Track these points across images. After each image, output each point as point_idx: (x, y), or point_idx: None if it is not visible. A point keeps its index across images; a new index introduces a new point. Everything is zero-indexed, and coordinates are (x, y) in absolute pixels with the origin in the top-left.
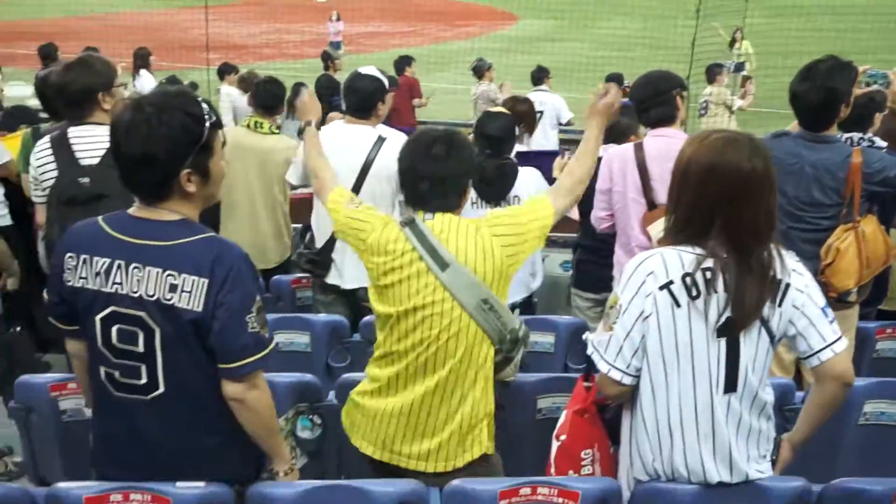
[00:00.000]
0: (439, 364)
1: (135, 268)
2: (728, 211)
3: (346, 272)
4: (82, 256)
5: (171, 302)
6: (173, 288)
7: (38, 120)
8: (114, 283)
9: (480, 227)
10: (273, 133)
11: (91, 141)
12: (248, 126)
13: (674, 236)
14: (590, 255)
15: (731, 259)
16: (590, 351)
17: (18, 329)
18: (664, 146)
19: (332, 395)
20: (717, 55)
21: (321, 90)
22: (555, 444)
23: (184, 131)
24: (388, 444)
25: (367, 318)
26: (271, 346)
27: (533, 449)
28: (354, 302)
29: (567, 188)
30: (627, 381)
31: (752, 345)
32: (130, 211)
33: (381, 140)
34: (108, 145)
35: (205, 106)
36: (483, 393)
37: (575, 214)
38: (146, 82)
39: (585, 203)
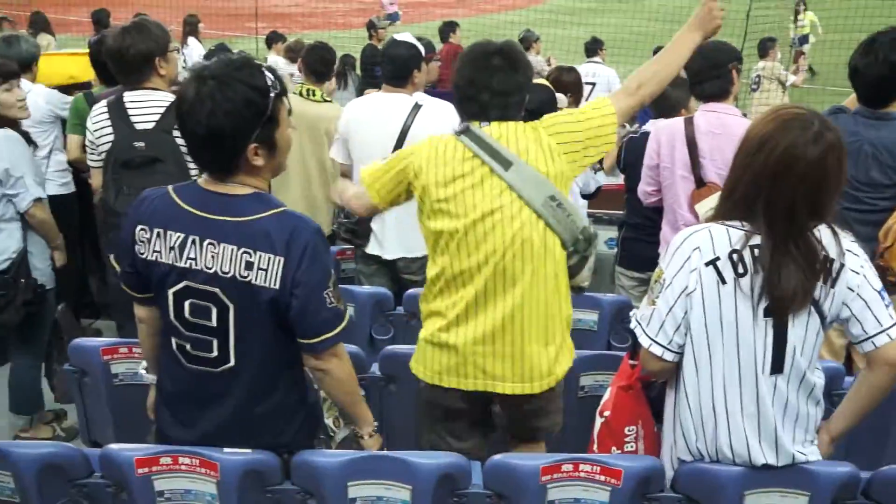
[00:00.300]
0: (518, 272)
1: (209, 244)
2: (771, 189)
3: (387, 242)
4: (156, 230)
5: (247, 279)
6: (249, 265)
7: (88, 84)
8: (188, 259)
9: (538, 129)
10: (325, 101)
11: (146, 105)
12: (301, 94)
13: (724, 212)
14: (636, 232)
15: (770, 240)
16: (632, 325)
17: (62, 306)
18: (716, 121)
19: (375, 366)
20: (772, 28)
21: (365, 61)
22: (598, 421)
23: (248, 105)
24: (481, 372)
25: (410, 290)
26: (347, 318)
27: (575, 426)
28: (395, 273)
29: (632, 88)
30: (669, 356)
31: (802, 326)
32: (200, 182)
33: (417, 107)
34: (162, 110)
35: (269, 76)
36: (566, 299)
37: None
38: (194, 51)
39: (632, 179)
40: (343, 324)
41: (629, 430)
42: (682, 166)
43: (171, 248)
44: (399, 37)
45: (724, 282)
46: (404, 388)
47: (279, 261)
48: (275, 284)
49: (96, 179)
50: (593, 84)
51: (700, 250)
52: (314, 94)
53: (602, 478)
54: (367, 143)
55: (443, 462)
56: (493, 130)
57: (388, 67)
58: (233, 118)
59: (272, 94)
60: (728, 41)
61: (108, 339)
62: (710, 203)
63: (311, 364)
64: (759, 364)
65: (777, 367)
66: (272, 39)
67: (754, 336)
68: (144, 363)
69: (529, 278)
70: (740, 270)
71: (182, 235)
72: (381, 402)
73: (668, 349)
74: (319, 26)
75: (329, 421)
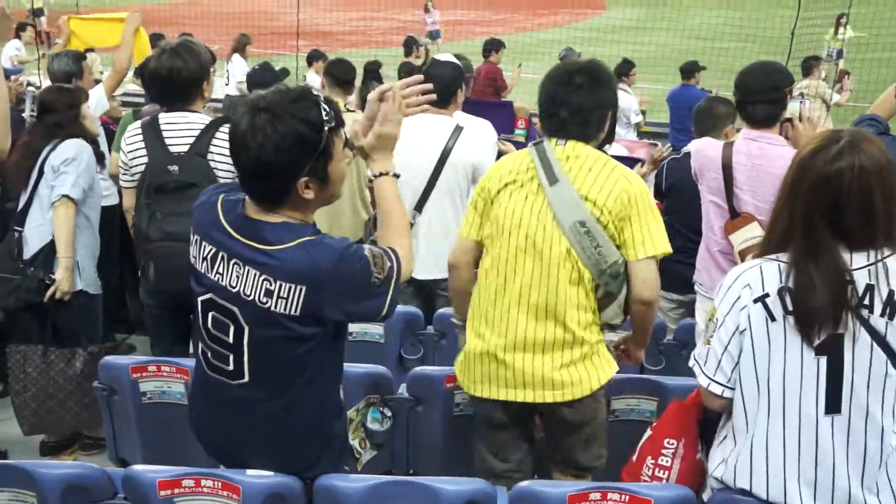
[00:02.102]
0: (543, 284)
1: (235, 263)
2: (791, 203)
3: (420, 263)
4: (196, 236)
5: (266, 306)
6: (269, 293)
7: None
8: (216, 272)
9: (617, 167)
10: (348, 111)
11: (182, 127)
12: None
13: (770, 242)
14: (676, 254)
15: (793, 256)
16: (691, 364)
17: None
18: (757, 151)
19: (403, 387)
20: (813, 47)
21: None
22: (647, 433)
23: (299, 140)
24: (526, 382)
25: (441, 310)
26: (395, 272)
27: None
28: (427, 293)
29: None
30: (728, 394)
31: (863, 362)
32: (247, 209)
33: (458, 129)
34: (197, 132)
35: (325, 108)
36: (593, 317)
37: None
38: (238, 67)
39: (673, 202)
40: (388, 298)
41: (669, 444)
42: (715, 193)
43: (205, 259)
44: (441, 57)
45: (773, 319)
46: (432, 409)
47: (300, 289)
48: (295, 311)
49: (127, 200)
50: None
51: (750, 287)
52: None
53: None
54: (408, 165)
55: (468, 488)
56: (565, 149)
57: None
58: (283, 153)
59: (326, 129)
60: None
61: (137, 358)
62: (744, 234)
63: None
64: (811, 404)
65: (833, 406)
66: (313, 58)
67: (802, 374)
68: None
69: (552, 291)
70: (790, 307)
71: (214, 249)
72: (408, 423)
73: (728, 387)
74: (359, 44)
75: (355, 442)
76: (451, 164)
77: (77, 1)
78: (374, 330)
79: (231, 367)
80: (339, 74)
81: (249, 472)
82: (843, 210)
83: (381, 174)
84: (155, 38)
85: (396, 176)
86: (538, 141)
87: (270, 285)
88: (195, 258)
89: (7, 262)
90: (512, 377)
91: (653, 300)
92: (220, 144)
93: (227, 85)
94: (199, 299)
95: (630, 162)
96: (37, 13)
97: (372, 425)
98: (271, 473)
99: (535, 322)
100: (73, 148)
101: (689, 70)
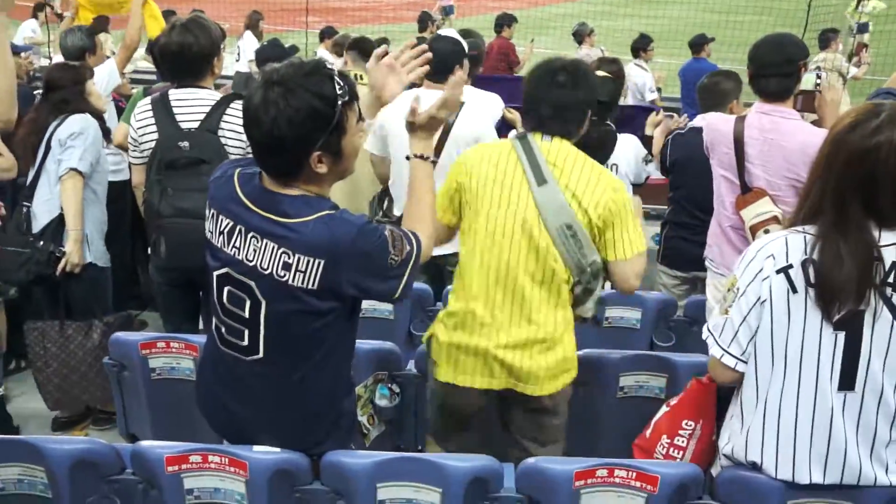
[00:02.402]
0: (522, 281)
1: (253, 237)
2: (823, 177)
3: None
4: (212, 210)
5: (284, 279)
6: (287, 266)
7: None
8: (233, 247)
9: (603, 173)
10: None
11: (192, 104)
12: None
13: (800, 216)
14: (680, 231)
15: (822, 230)
16: (704, 335)
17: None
18: (770, 125)
19: (411, 364)
20: (830, 20)
21: None
22: (663, 409)
23: (312, 114)
24: (498, 374)
25: (450, 286)
26: (414, 255)
27: (614, 427)
28: (437, 269)
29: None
30: (741, 367)
31: (882, 340)
32: (264, 181)
33: (460, 105)
34: (208, 108)
35: (339, 83)
36: (564, 321)
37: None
38: (248, 43)
39: (678, 177)
40: (403, 280)
41: (687, 425)
42: (726, 168)
43: (221, 233)
44: (444, 32)
45: (794, 290)
46: None
47: (319, 263)
48: (313, 285)
49: (137, 176)
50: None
51: (774, 258)
52: (362, 79)
53: (638, 484)
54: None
55: (474, 465)
56: (551, 147)
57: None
58: (296, 127)
59: (339, 103)
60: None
61: (147, 334)
62: (756, 209)
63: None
64: (826, 379)
65: (847, 383)
66: (325, 34)
67: (820, 349)
68: None
69: (529, 290)
70: (812, 280)
71: (231, 222)
72: (416, 399)
73: (741, 360)
74: (370, 20)
75: (363, 419)
76: (453, 138)
77: None
78: (384, 306)
79: (246, 343)
80: (365, 49)
81: (256, 448)
82: (878, 185)
83: (419, 156)
84: (167, 15)
85: (434, 162)
86: (522, 134)
87: (289, 258)
88: (211, 233)
89: (16, 236)
90: (491, 367)
91: (634, 290)
92: (231, 121)
93: (237, 62)
94: (215, 274)
95: (644, 112)
96: None
97: (380, 402)
98: (278, 450)
99: (517, 315)
100: (79, 122)
101: (698, 44)
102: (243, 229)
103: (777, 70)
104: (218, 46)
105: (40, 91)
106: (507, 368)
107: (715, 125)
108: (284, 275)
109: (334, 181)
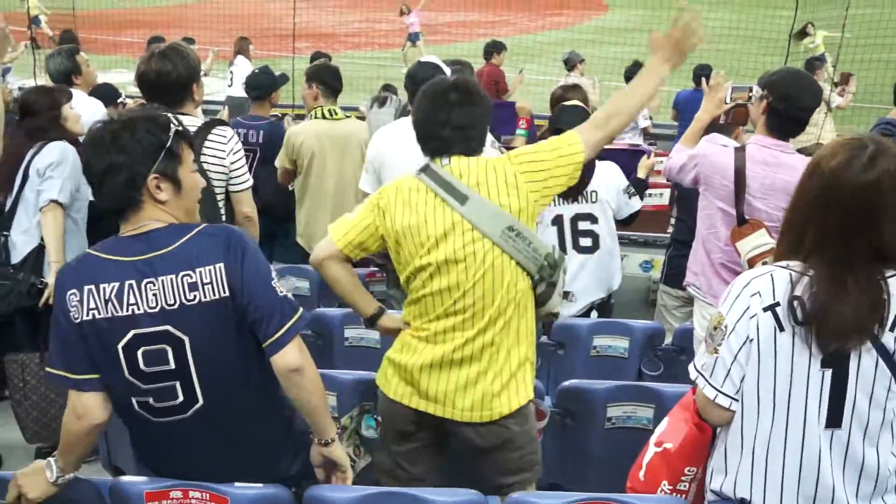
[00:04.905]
0: (476, 308)
1: (148, 283)
2: (820, 217)
3: None
4: (86, 288)
5: (195, 301)
6: (193, 286)
7: (117, 95)
8: (129, 306)
9: (504, 163)
10: (346, 118)
11: None
12: (324, 116)
13: (783, 250)
14: (682, 248)
15: (822, 271)
16: (693, 376)
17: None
18: (774, 160)
19: None
20: (813, 49)
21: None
22: (653, 449)
23: (147, 136)
24: (437, 398)
25: None
26: (301, 311)
27: (601, 459)
28: None
29: (601, 119)
30: (735, 406)
31: (867, 378)
32: (120, 234)
33: None
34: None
35: (172, 117)
36: (525, 334)
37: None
38: (242, 69)
39: (681, 196)
40: (300, 311)
41: (689, 471)
42: (724, 200)
43: (108, 301)
44: (425, 58)
45: (781, 329)
46: None
47: (220, 267)
48: (224, 292)
49: None
50: None
51: (760, 295)
52: (336, 114)
53: None
54: (402, 167)
55: (459, 500)
56: (452, 167)
57: (410, 88)
58: (131, 147)
59: (172, 130)
60: (768, 61)
61: None
62: (753, 241)
63: (282, 365)
64: (813, 417)
65: (834, 420)
66: (315, 59)
67: (808, 388)
68: (57, 463)
69: (484, 317)
70: (800, 318)
71: (116, 284)
72: None
73: (734, 398)
74: (361, 46)
75: (349, 450)
76: None
77: (73, 4)
78: (372, 335)
79: (181, 398)
80: (331, 81)
81: (238, 483)
82: (883, 217)
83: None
84: (154, 41)
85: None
86: (423, 166)
87: (191, 278)
88: (94, 310)
89: None
90: (446, 400)
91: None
92: (213, 146)
93: (230, 86)
94: (119, 347)
95: (636, 154)
96: (34, 21)
97: (367, 432)
98: (259, 485)
99: (472, 352)
100: (57, 151)
101: (703, 74)
102: (133, 283)
103: (807, 115)
104: (197, 73)
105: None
106: None
107: (711, 158)
108: (194, 296)
109: (182, 217)
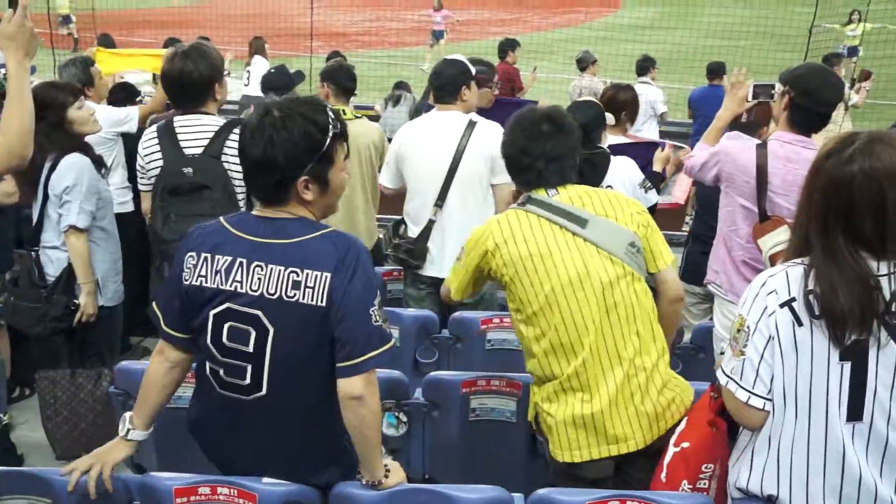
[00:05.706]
0: (624, 326)
1: (256, 265)
2: (807, 206)
3: (446, 262)
4: (203, 255)
5: (293, 299)
6: (296, 285)
7: (137, 93)
8: (234, 281)
9: (617, 194)
10: (355, 118)
11: (196, 130)
12: None
13: (795, 246)
14: (700, 245)
15: (816, 258)
16: (723, 381)
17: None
18: (795, 156)
19: (418, 392)
20: (831, 45)
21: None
22: (672, 450)
23: (304, 138)
24: (611, 438)
25: (456, 313)
26: (392, 343)
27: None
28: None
29: (672, 298)
30: (768, 407)
31: (888, 369)
32: (254, 211)
33: (472, 124)
34: (211, 134)
35: (331, 115)
36: (662, 344)
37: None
38: (260, 68)
39: (701, 191)
40: (388, 345)
41: (706, 469)
42: (746, 197)
43: (217, 272)
44: (451, 56)
45: (800, 323)
46: (448, 414)
47: (326, 277)
48: (322, 302)
49: (146, 203)
50: None
51: (776, 293)
52: (345, 114)
53: None
54: (425, 161)
55: (485, 496)
56: (562, 196)
57: (437, 83)
58: (287, 147)
59: (330, 133)
60: (786, 57)
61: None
62: (775, 238)
63: (348, 390)
64: (835, 411)
65: (855, 414)
66: (332, 59)
67: (828, 382)
68: (130, 417)
69: (634, 333)
70: (816, 312)
71: (229, 259)
72: (423, 429)
73: (767, 399)
74: (374, 44)
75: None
76: (468, 154)
77: (93, 4)
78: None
79: (248, 381)
80: (344, 81)
81: (265, 479)
82: (855, 214)
83: None
84: (171, 43)
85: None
86: (526, 199)
87: (298, 276)
88: (203, 277)
89: (29, 290)
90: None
91: (683, 296)
92: (234, 146)
93: (246, 86)
94: (212, 314)
95: (649, 147)
96: (66, 19)
97: (387, 430)
98: (288, 483)
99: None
100: (72, 175)
101: (717, 71)
102: (244, 261)
103: (830, 110)
104: (219, 72)
105: None
106: None
107: (733, 156)
108: (294, 294)
109: (319, 216)
